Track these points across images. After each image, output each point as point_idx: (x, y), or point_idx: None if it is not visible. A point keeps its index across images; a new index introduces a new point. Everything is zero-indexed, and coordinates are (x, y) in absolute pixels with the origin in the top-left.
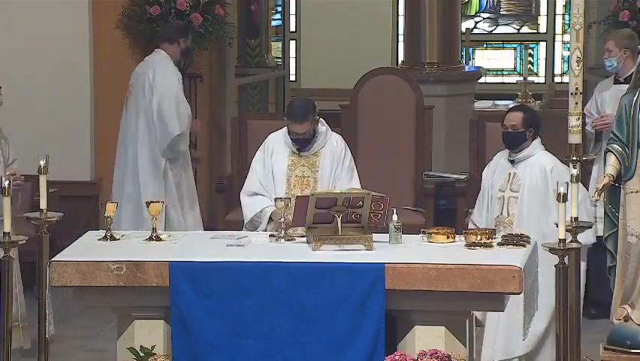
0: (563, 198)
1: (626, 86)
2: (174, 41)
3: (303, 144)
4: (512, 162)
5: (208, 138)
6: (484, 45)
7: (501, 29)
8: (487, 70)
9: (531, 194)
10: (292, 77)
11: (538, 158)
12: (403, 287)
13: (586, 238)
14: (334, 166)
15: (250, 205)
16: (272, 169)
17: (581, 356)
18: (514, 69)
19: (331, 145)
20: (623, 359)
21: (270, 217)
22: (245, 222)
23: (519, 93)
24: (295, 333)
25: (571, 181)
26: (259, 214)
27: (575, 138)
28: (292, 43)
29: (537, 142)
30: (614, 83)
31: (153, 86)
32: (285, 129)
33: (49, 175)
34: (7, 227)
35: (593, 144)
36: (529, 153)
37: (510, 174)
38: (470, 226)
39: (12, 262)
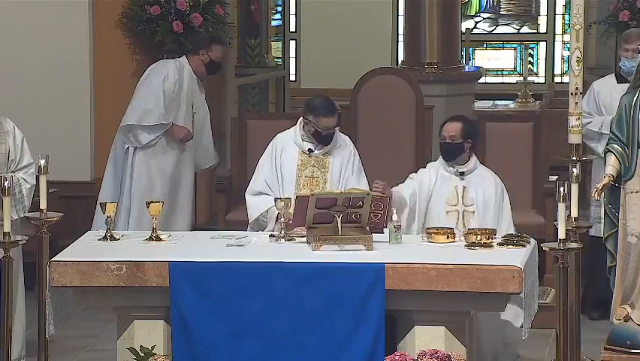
0: (562, 198)
1: None
2: (195, 52)
3: (329, 139)
4: (462, 173)
5: None
6: (484, 45)
7: (501, 29)
8: (487, 70)
9: (485, 207)
10: (292, 77)
11: (483, 172)
12: (403, 287)
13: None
14: (343, 167)
15: (256, 204)
16: (281, 169)
17: (581, 356)
18: (514, 69)
19: (341, 146)
20: (623, 359)
21: (277, 217)
22: (250, 221)
23: (519, 93)
24: (295, 333)
25: (571, 181)
26: (265, 214)
27: (575, 138)
28: (292, 43)
29: (475, 157)
30: (619, 82)
31: None
32: (293, 129)
33: (49, 175)
34: (7, 227)
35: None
36: (474, 166)
37: (457, 186)
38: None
39: (12, 262)
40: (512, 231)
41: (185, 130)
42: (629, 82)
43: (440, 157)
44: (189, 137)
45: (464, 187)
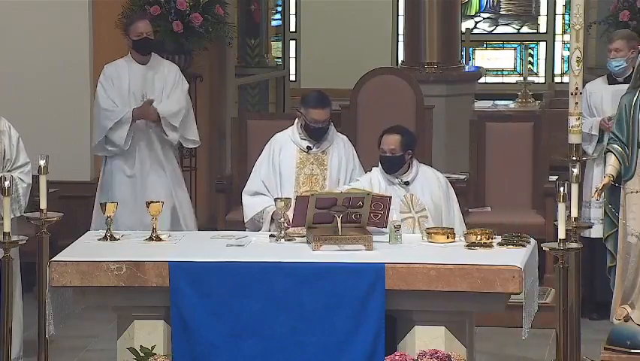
0: (562, 198)
1: (626, 86)
2: (127, 44)
3: (321, 133)
4: (407, 183)
5: (208, 138)
6: (484, 45)
7: (501, 29)
8: (487, 70)
9: (436, 209)
10: (292, 77)
11: (425, 173)
12: (403, 287)
13: None
14: (343, 165)
15: (251, 205)
16: (279, 168)
17: (581, 356)
18: (514, 69)
19: (338, 144)
20: (623, 359)
21: (272, 217)
22: (245, 221)
23: (519, 93)
24: (295, 333)
25: (571, 181)
26: (260, 214)
27: (575, 138)
28: (292, 43)
29: (416, 161)
30: (610, 84)
31: None
32: (291, 129)
33: (49, 175)
34: (7, 227)
35: (595, 144)
36: (416, 172)
37: (405, 196)
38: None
39: (12, 262)
40: (464, 226)
41: (144, 107)
42: (619, 83)
43: (380, 166)
44: (150, 110)
45: (412, 195)
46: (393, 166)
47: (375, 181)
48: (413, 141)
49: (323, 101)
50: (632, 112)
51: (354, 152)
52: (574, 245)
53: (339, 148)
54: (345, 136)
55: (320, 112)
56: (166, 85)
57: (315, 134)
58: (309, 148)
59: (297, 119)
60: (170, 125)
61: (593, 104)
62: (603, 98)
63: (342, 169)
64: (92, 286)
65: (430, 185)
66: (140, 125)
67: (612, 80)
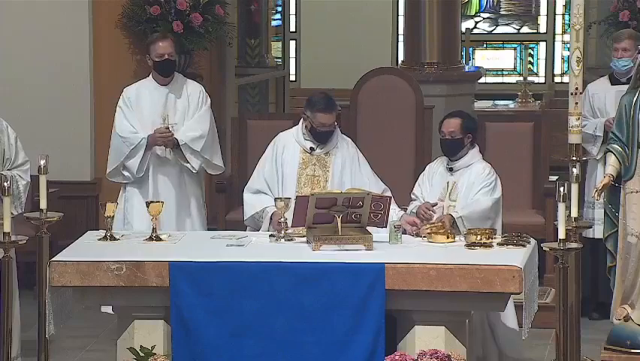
0: (562, 198)
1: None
2: (149, 63)
3: (327, 136)
4: (451, 169)
5: None
6: (484, 45)
7: (501, 29)
8: (487, 70)
9: (467, 193)
10: (292, 77)
11: (476, 167)
12: (403, 287)
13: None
14: (347, 167)
15: (252, 203)
16: (282, 167)
17: (581, 356)
18: (514, 69)
19: (342, 146)
20: (623, 359)
21: (271, 217)
22: (245, 218)
23: (519, 93)
24: (295, 333)
25: (571, 181)
26: (260, 213)
27: (574, 138)
28: (292, 43)
29: (475, 151)
30: (613, 84)
31: None
32: (296, 128)
33: (49, 175)
34: (7, 227)
35: (600, 145)
36: (467, 162)
37: (449, 183)
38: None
39: (12, 262)
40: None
41: (156, 134)
42: (622, 83)
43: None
44: (165, 135)
45: (454, 183)
46: (453, 149)
47: (434, 167)
48: (474, 125)
49: (330, 105)
50: (632, 112)
51: (359, 152)
52: (574, 245)
53: (343, 150)
54: (349, 138)
55: (327, 116)
56: (189, 107)
57: (322, 138)
58: (312, 149)
59: (302, 120)
60: (191, 150)
61: (596, 105)
62: (607, 98)
63: (346, 171)
64: (92, 286)
65: (470, 179)
66: (158, 155)
67: (615, 80)
